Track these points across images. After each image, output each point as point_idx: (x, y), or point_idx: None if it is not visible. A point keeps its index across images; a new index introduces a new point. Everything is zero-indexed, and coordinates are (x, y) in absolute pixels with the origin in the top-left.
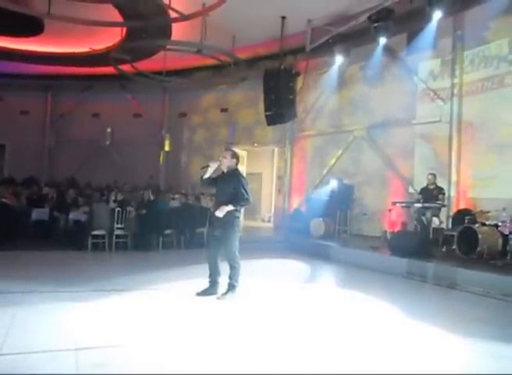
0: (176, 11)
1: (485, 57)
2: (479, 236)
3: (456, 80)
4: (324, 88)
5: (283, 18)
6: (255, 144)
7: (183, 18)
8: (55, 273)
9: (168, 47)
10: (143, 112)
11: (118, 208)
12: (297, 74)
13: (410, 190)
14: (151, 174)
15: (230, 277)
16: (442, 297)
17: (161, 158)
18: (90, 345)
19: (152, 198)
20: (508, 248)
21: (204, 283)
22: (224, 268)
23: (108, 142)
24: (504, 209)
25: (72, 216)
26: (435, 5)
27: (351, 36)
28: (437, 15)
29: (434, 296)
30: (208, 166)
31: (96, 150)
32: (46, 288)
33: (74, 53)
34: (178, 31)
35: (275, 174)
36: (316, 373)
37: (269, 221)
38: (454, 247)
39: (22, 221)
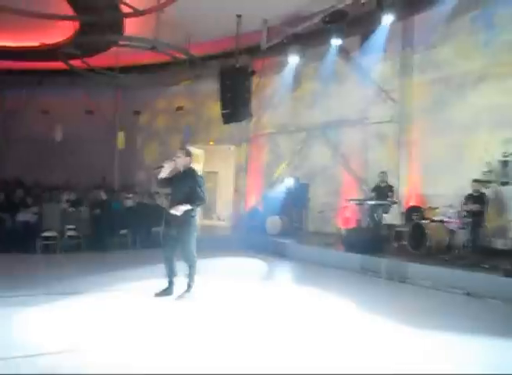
0: (130, 6)
1: (433, 60)
2: (427, 232)
3: (405, 82)
4: (279, 87)
5: (239, 16)
6: (211, 143)
7: (137, 13)
8: (2, 276)
9: (121, 43)
10: (95, 109)
11: (71, 208)
12: (253, 73)
13: (364, 188)
14: (104, 175)
15: (187, 277)
16: (395, 291)
17: (115, 156)
18: (41, 351)
19: (104, 197)
20: (454, 242)
21: (162, 283)
22: (181, 267)
23: (59, 140)
24: (451, 206)
25: (20, 216)
26: (385, 8)
27: (306, 36)
28: (388, 18)
29: (387, 290)
30: (161, 167)
31: (46, 148)
32: None
33: (23, 47)
34: (131, 27)
35: (231, 173)
36: (272, 373)
37: (225, 220)
38: (405, 242)
39: None
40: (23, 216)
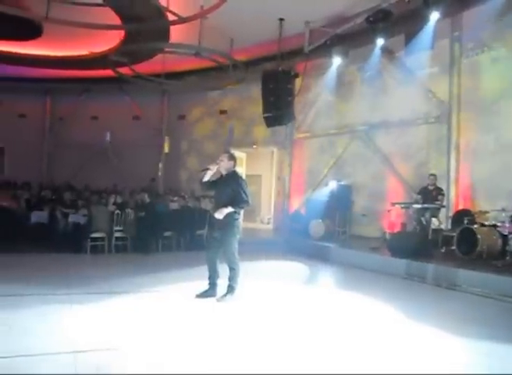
0: (174, 13)
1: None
2: (478, 236)
3: (454, 81)
4: (323, 89)
5: (281, 20)
6: (254, 146)
7: (181, 20)
8: (53, 275)
9: (166, 49)
10: (142, 115)
11: (117, 211)
12: (296, 76)
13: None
14: (153, 177)
15: (230, 279)
16: (441, 298)
17: (161, 160)
18: (88, 348)
19: (148, 200)
20: (507, 248)
21: (204, 285)
22: (223, 270)
23: (107, 145)
24: (503, 210)
25: (71, 218)
26: (431, 5)
27: (349, 37)
28: (434, 16)
29: (433, 297)
30: (207, 169)
31: (95, 153)
32: (44, 291)
33: (72, 56)
34: (176, 33)
35: (274, 176)
36: (315, 374)
37: (269, 223)
38: (454, 247)
39: (21, 224)
40: (74, 218)
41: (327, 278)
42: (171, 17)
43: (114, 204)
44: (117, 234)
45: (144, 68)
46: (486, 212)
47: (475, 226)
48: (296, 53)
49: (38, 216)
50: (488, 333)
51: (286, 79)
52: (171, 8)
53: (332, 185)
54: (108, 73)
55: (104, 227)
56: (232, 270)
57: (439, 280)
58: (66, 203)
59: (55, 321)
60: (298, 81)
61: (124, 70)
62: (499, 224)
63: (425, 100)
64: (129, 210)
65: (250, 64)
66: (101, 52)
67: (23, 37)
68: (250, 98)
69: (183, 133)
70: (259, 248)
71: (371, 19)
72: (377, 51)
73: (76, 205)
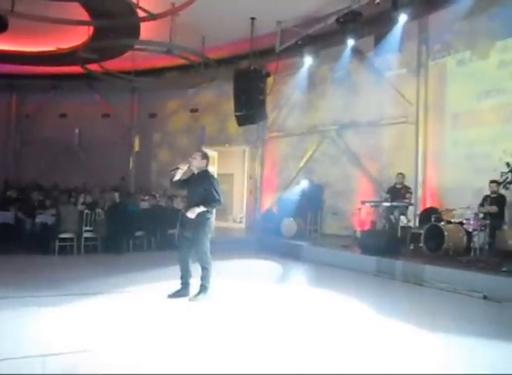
0: (145, 10)
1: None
2: (445, 233)
3: (421, 83)
4: (294, 89)
5: (253, 19)
6: (226, 145)
7: (152, 17)
8: (20, 277)
9: (136, 46)
10: (111, 113)
11: (86, 211)
12: (267, 75)
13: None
14: (123, 175)
15: (202, 278)
16: (411, 293)
17: (131, 159)
18: (58, 351)
19: (118, 199)
20: (472, 244)
21: (176, 284)
22: (195, 269)
23: (76, 143)
24: (469, 207)
25: (38, 218)
26: (400, 8)
27: (320, 37)
28: (403, 18)
29: (403, 293)
30: (177, 168)
31: (64, 151)
32: (11, 293)
33: (40, 52)
34: (147, 31)
35: (246, 175)
36: (289, 374)
37: (241, 222)
38: (421, 244)
39: None
40: (42, 218)
41: (299, 276)
42: (141, 14)
43: (83, 203)
44: (86, 235)
45: (113, 65)
46: (453, 209)
47: (442, 223)
48: (268, 52)
49: (3, 217)
50: (460, 327)
51: (257, 78)
52: (141, 5)
53: (304, 184)
54: (77, 69)
55: (73, 227)
56: (205, 270)
57: (407, 276)
58: (34, 203)
59: (24, 325)
60: (270, 80)
61: (93, 67)
62: (464, 221)
63: (394, 101)
64: (99, 210)
65: (222, 62)
66: (70, 48)
67: None
68: (221, 96)
69: (154, 131)
70: (231, 246)
71: (341, 19)
72: (347, 51)
73: (44, 204)
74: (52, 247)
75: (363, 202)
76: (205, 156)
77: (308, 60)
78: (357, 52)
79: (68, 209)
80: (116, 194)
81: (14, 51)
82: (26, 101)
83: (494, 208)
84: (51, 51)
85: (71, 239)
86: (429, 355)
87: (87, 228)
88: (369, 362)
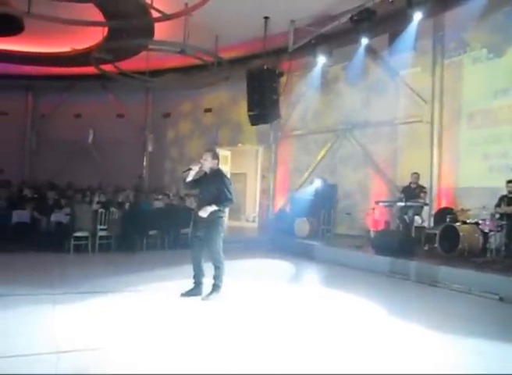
0: (159, 10)
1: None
2: (460, 234)
3: (436, 81)
4: (307, 88)
5: (266, 18)
6: (239, 144)
7: (166, 17)
8: (35, 275)
9: (150, 47)
10: (125, 113)
11: (101, 210)
12: (281, 74)
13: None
14: (140, 174)
15: (215, 278)
16: (425, 294)
17: (145, 158)
18: (71, 348)
19: (132, 198)
20: (488, 245)
21: (189, 283)
22: (208, 268)
23: (90, 143)
24: (484, 207)
25: (53, 217)
26: (414, 6)
27: (334, 36)
28: (417, 16)
29: (416, 294)
30: (189, 169)
31: (78, 151)
32: (26, 291)
33: (55, 53)
34: (160, 31)
35: (259, 174)
36: (301, 373)
37: (254, 221)
38: (436, 245)
39: (2, 223)
40: (57, 217)
41: (312, 276)
42: (155, 14)
43: (98, 202)
44: (101, 233)
45: (127, 65)
46: (468, 210)
47: (457, 223)
48: (281, 52)
49: (19, 216)
50: (472, 330)
51: (270, 77)
52: (155, 5)
53: (317, 184)
54: (92, 70)
55: (87, 226)
56: (218, 269)
57: (421, 277)
58: (49, 202)
59: (38, 321)
60: (283, 80)
61: (108, 67)
62: (480, 222)
63: (409, 100)
64: (113, 209)
65: (235, 62)
66: (84, 49)
67: (4, 32)
68: (235, 96)
69: (168, 131)
70: (244, 246)
71: (355, 18)
72: (361, 50)
73: (59, 203)
74: (67, 245)
75: (377, 202)
76: (216, 156)
77: (322, 59)
78: (371, 51)
79: (82, 208)
80: (131, 193)
81: (30, 52)
82: (42, 101)
83: (511, 209)
84: (66, 52)
85: (85, 238)
86: (438, 357)
87: (102, 227)
88: (377, 363)
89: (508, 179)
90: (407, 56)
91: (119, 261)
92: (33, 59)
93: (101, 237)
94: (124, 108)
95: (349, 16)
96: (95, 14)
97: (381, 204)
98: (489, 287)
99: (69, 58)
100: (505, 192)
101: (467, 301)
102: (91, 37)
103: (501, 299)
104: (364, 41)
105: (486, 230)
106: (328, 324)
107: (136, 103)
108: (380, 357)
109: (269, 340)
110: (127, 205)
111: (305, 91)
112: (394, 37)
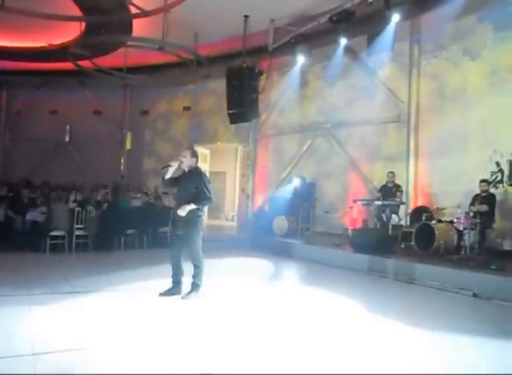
0: (137, 7)
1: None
2: (436, 232)
3: (413, 82)
4: (287, 87)
5: (246, 17)
6: (218, 143)
7: (144, 14)
8: (10, 275)
9: (129, 43)
10: (103, 110)
11: (78, 208)
12: (260, 73)
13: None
14: (123, 174)
15: (194, 277)
16: (402, 292)
17: (123, 156)
18: (48, 350)
19: (109, 197)
20: (463, 243)
21: (168, 283)
22: (187, 267)
23: (67, 140)
24: (459, 206)
25: (29, 216)
26: (392, 7)
27: (313, 36)
28: (395, 17)
29: (394, 291)
30: (168, 166)
31: (54, 148)
32: (1, 292)
33: (31, 48)
34: (139, 27)
35: (238, 173)
36: (280, 373)
37: (233, 220)
38: (412, 243)
39: None
40: (32, 216)
41: (291, 274)
42: (134, 10)
43: (74, 201)
44: (78, 232)
45: (105, 62)
46: (443, 208)
47: (433, 222)
48: (261, 50)
49: None
50: (446, 324)
51: (250, 76)
52: (134, 1)
53: (296, 182)
54: (69, 66)
55: (64, 225)
56: (197, 268)
57: (398, 274)
58: (24, 200)
59: (13, 323)
60: (262, 79)
61: (85, 63)
62: (455, 220)
63: (386, 100)
64: (90, 207)
65: (214, 60)
66: (61, 44)
67: None
68: (214, 94)
69: (146, 128)
70: (223, 244)
71: (334, 18)
72: (340, 50)
73: (34, 202)
74: (43, 245)
75: (355, 201)
76: (195, 154)
77: (301, 59)
78: (350, 51)
79: (59, 207)
80: (108, 192)
81: (4, 46)
82: (16, 97)
83: (484, 207)
84: (42, 47)
85: (62, 237)
86: (416, 354)
87: (78, 226)
88: (358, 361)
89: (481, 178)
90: (384, 57)
91: (96, 260)
92: (8, 54)
93: (78, 237)
94: (102, 105)
95: (328, 16)
96: (72, 9)
97: (359, 202)
98: (464, 284)
99: (45, 54)
100: (478, 191)
101: (442, 298)
102: (68, 33)
103: (475, 295)
104: (343, 41)
105: (461, 228)
106: (308, 322)
107: (113, 100)
108: (361, 355)
109: (249, 339)
110: (105, 204)
111: (284, 90)
112: (372, 37)
